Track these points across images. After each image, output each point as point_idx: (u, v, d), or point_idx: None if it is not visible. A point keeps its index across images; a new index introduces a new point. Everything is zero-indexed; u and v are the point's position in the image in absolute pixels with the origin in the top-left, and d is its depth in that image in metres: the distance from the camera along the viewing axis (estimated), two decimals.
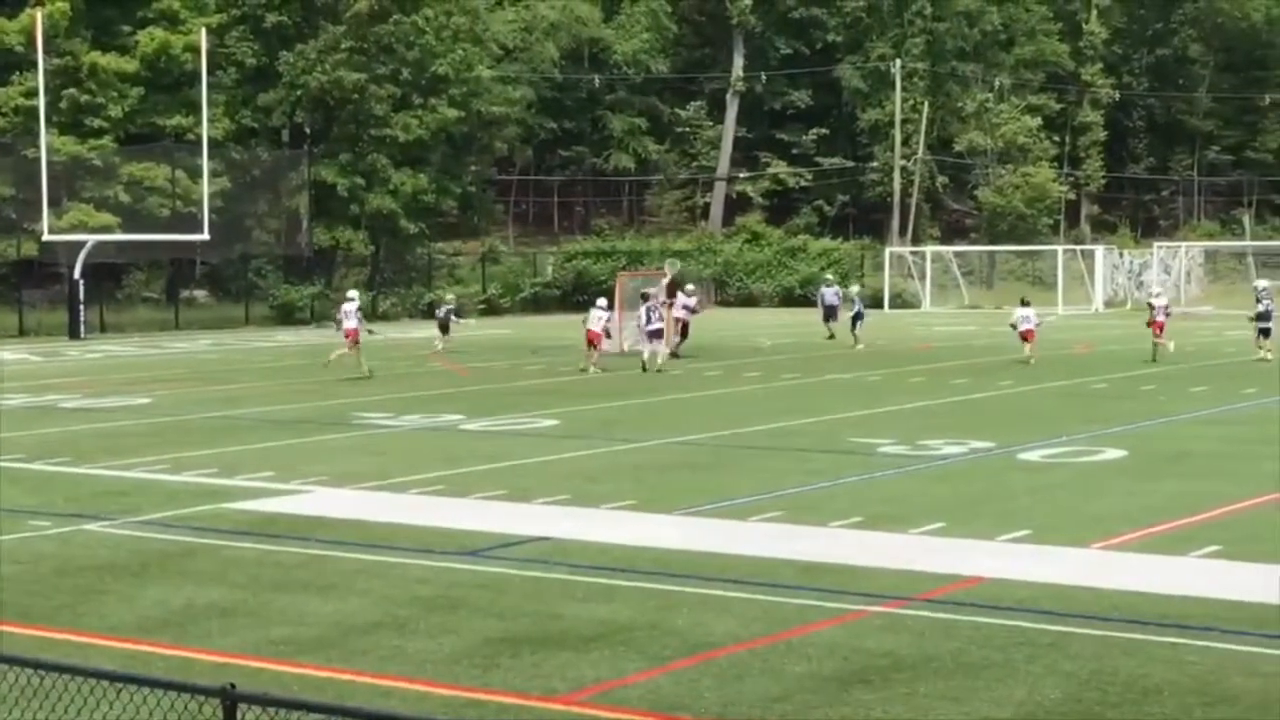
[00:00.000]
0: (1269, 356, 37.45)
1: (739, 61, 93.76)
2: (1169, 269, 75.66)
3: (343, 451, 23.25)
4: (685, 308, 42.62)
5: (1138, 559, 14.64)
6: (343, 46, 66.11)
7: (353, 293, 40.27)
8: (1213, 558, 14.53)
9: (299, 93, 66.52)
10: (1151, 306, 39.95)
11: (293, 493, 19.08)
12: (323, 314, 64.52)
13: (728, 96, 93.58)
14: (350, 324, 36.78)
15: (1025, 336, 38.46)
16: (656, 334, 38.33)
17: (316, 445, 24.06)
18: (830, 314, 48.75)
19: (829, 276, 56.66)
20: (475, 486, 19.32)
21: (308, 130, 70.58)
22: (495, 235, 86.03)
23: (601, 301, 39.56)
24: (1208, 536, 15.41)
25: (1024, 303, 41.35)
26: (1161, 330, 38.68)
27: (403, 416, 27.81)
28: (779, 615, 12.56)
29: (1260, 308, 39.35)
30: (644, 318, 38.56)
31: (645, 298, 39.70)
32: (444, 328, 43.14)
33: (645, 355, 37.69)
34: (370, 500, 18.60)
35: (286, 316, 63.81)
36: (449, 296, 45.40)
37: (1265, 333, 38.66)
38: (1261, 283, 43.70)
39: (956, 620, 12.27)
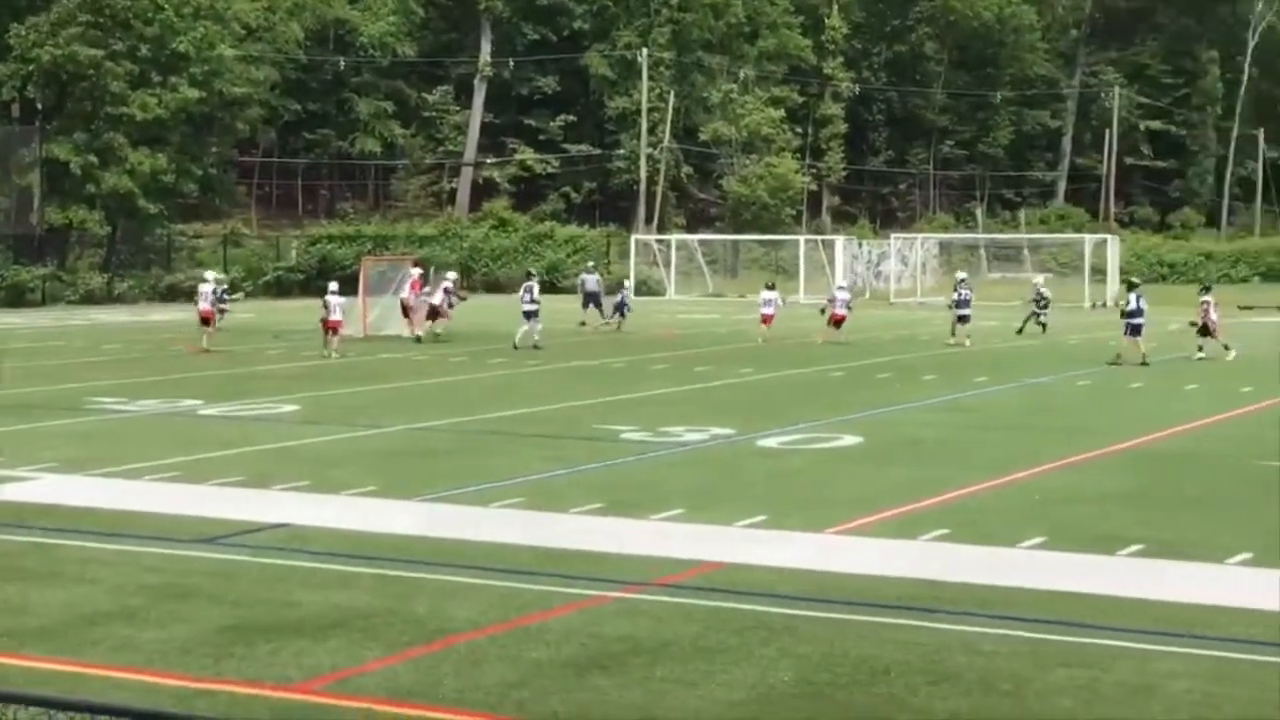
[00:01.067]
0: (966, 343, 39.18)
1: (486, 47, 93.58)
2: (905, 260, 77.55)
3: (74, 437, 22.60)
4: (446, 290, 42.62)
5: (870, 543, 15.01)
6: (78, 20, 64.16)
7: (209, 274, 41.49)
8: (940, 540, 14.95)
9: (30, 67, 64.39)
10: (833, 300, 41.54)
11: (19, 480, 18.48)
12: (54, 295, 62.67)
13: (475, 82, 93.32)
14: (204, 305, 38.14)
15: (765, 320, 39.58)
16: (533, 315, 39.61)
17: (46, 431, 23.35)
18: (591, 300, 49.04)
19: (590, 264, 56.65)
20: (213, 473, 18.96)
21: (39, 106, 68.43)
22: (238, 218, 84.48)
23: (333, 286, 39.22)
24: (936, 520, 15.86)
25: (769, 286, 42.49)
26: (840, 324, 40.66)
27: (138, 401, 27.16)
28: (518, 601, 12.58)
29: (956, 295, 41.30)
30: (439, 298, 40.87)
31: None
32: (208, 316, 39.53)
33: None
34: (102, 487, 18.11)
35: (17, 298, 61.76)
36: (209, 275, 42.93)
37: (964, 319, 41.03)
38: (961, 274, 45.78)
39: (695, 605, 12.43)
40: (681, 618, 12.03)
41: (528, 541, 14.88)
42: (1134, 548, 14.50)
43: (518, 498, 17.29)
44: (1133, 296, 35.64)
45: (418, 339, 41.37)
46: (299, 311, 52.72)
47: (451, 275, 45.24)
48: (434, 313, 42.17)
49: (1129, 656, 10.95)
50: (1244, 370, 33.35)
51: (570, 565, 13.87)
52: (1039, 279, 49.92)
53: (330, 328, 37.70)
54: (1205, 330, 36.42)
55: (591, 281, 50.33)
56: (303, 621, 11.87)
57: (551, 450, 21.26)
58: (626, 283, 52.39)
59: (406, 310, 42.84)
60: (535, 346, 38.67)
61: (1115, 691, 10.17)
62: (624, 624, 11.85)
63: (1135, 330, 34.84)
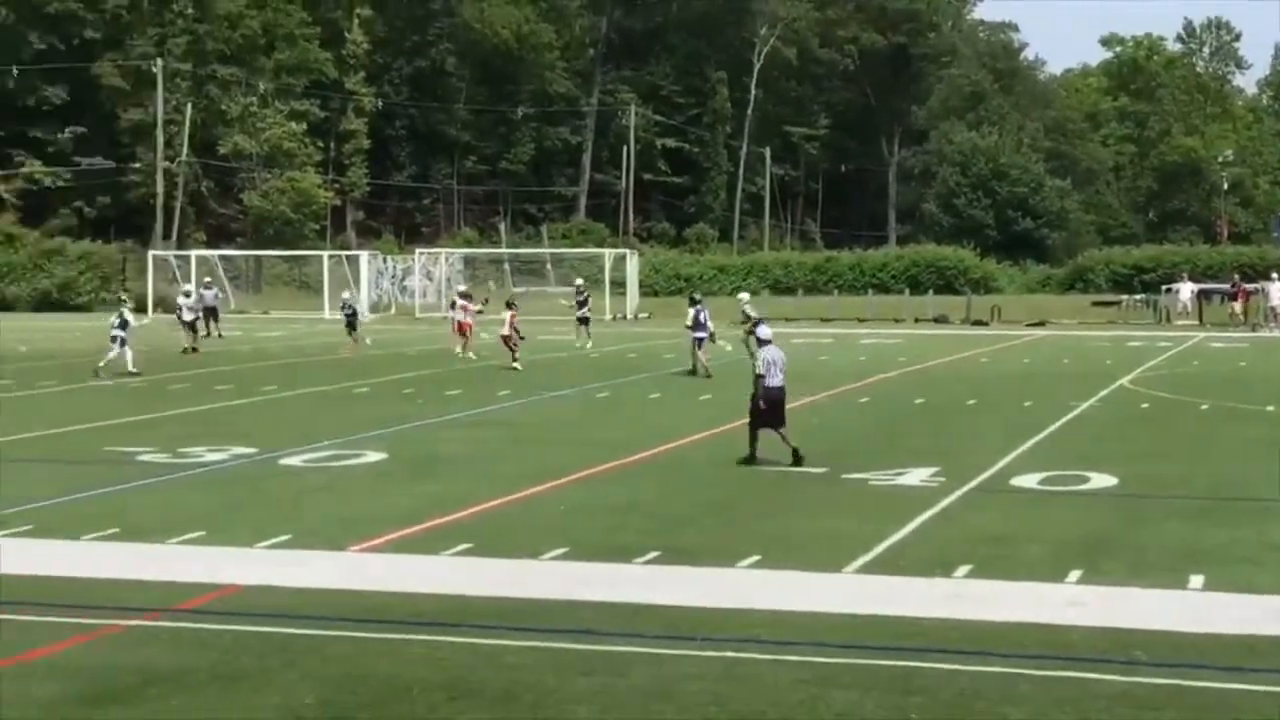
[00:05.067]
0: (472, 356, 40.08)
1: None
2: (431, 274, 77.89)
3: None
4: None
5: (394, 559, 14.99)
6: None
7: (188, 286, 43.93)
8: (465, 555, 15.07)
9: None
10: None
11: None
12: None
13: None
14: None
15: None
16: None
17: None
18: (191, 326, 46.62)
19: (188, 287, 53.01)
20: None
21: None
22: None
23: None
24: (460, 535, 15.97)
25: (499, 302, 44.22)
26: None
27: None
28: (28, 636, 12.02)
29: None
30: None
31: None
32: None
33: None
34: None
35: None
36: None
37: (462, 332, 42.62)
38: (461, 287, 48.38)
39: (214, 630, 12.16)
40: (200, 644, 11.75)
41: (37, 572, 14.25)
42: (650, 555, 14.94)
43: (26, 525, 16.54)
44: (692, 311, 36.70)
45: None
46: None
47: None
48: None
49: (645, 661, 11.26)
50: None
51: (83, 595, 13.34)
52: (579, 281, 51.37)
53: None
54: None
55: (210, 297, 50.55)
56: None
57: (64, 475, 20.41)
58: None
59: None
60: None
61: (633, 695, 10.44)
62: (140, 653, 11.49)
63: (699, 342, 35.92)
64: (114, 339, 36.64)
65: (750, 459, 21.09)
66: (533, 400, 31.00)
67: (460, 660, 11.30)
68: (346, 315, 48.13)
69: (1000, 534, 16.05)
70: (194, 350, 44.35)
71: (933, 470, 20.31)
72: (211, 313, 50.71)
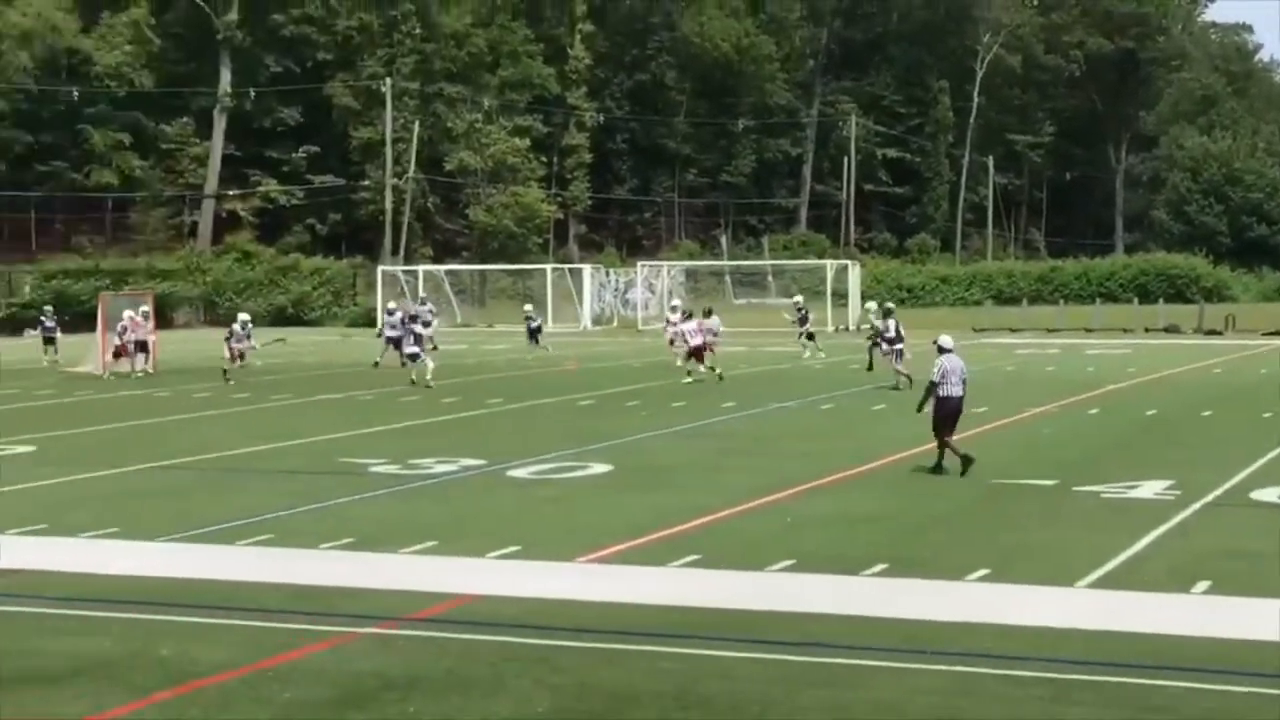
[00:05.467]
0: (701, 370, 38.74)
1: (226, 76, 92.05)
2: (653, 287, 78.31)
3: None
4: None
5: (621, 570, 15.07)
6: None
7: (392, 304, 47.09)
8: (692, 567, 15.09)
9: None
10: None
11: None
12: None
13: (215, 113, 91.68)
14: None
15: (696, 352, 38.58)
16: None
17: None
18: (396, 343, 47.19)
19: (392, 305, 52.36)
20: None
21: None
22: None
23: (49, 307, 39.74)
24: (686, 546, 16.00)
25: (693, 313, 43.68)
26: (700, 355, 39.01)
27: None
28: (268, 641, 12.35)
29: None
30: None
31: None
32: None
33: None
34: None
35: None
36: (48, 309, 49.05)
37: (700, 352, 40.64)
38: (675, 301, 47.76)
39: (447, 639, 12.35)
40: (434, 652, 11.95)
41: (276, 580, 14.63)
42: (878, 567, 14.82)
43: (265, 535, 16.99)
44: (891, 322, 36.53)
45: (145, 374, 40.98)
46: (34, 349, 51.10)
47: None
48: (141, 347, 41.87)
49: (875, 674, 11.17)
50: (980, 392, 34.37)
51: (320, 603, 13.67)
52: (799, 298, 51.40)
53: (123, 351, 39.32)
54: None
55: (424, 312, 50.82)
56: (43, 670, 11.49)
57: (299, 486, 20.93)
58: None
59: (145, 346, 41.94)
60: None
61: (863, 709, 10.36)
62: (376, 660, 11.72)
63: (898, 355, 35.65)
64: (411, 353, 38.81)
65: (937, 468, 21.30)
66: (757, 412, 30.96)
67: (688, 671, 11.32)
68: (531, 328, 49.00)
69: (1240, 549, 15.59)
70: (374, 366, 44.23)
71: (1167, 483, 19.82)
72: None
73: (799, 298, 51.88)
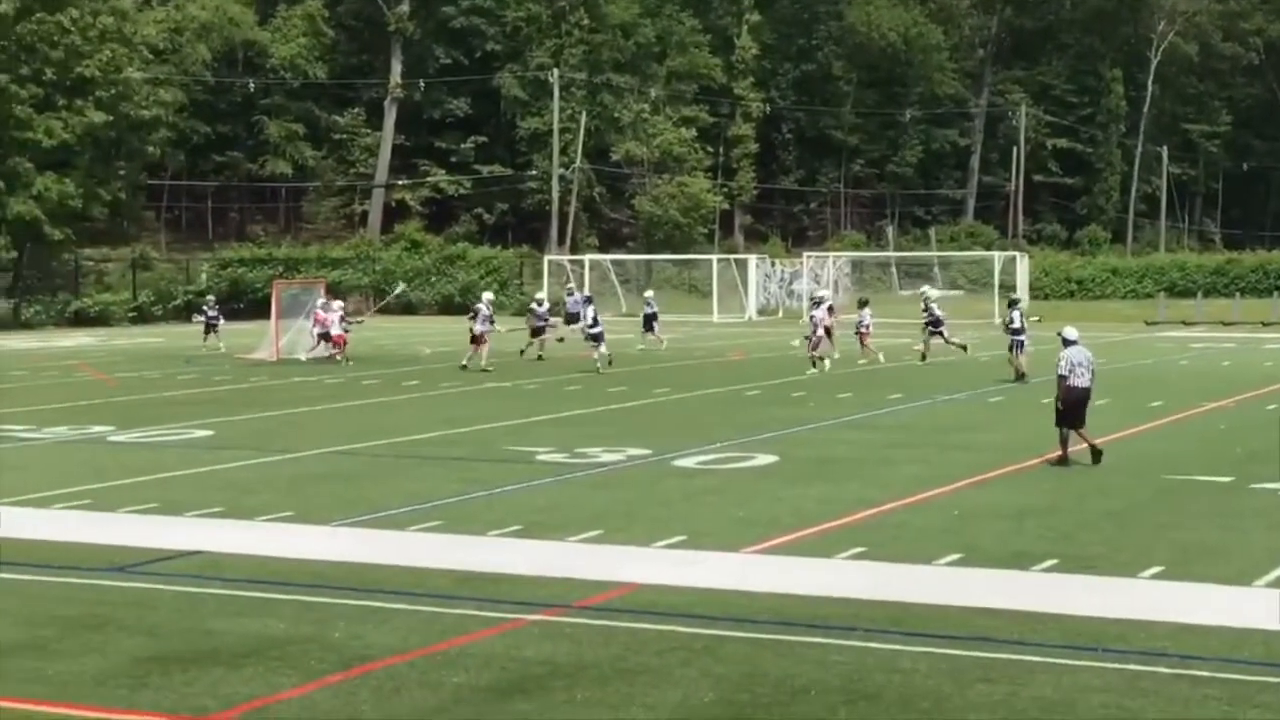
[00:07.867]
0: (881, 359, 39.16)
1: (397, 68, 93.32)
2: (818, 278, 77.95)
3: None
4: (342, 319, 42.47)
5: (786, 561, 15.04)
6: None
7: (540, 294, 48.00)
8: (856, 559, 15.01)
9: None
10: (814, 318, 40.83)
11: None
12: None
13: (386, 104, 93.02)
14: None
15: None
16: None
17: None
18: (571, 320, 48.96)
19: (540, 295, 52.97)
20: (124, 500, 18.75)
21: None
22: (146, 241, 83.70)
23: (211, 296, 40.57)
24: (852, 538, 15.93)
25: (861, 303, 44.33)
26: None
27: (47, 429, 26.81)
28: (437, 626, 12.52)
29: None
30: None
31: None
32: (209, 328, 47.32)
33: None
34: (10, 516, 17.83)
35: None
36: (210, 298, 51.82)
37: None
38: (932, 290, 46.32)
39: (613, 627, 12.41)
40: (601, 640, 12.02)
41: (445, 565, 14.81)
42: (1048, 563, 14.63)
43: (435, 521, 17.21)
44: (1015, 314, 36.07)
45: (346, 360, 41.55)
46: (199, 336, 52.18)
47: (337, 304, 44.39)
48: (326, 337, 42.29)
49: (1045, 671, 11.04)
50: (1154, 386, 33.79)
51: (488, 589, 13.82)
52: (933, 293, 44.92)
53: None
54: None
55: (571, 303, 51.37)
56: (218, 650, 11.75)
57: (467, 473, 21.18)
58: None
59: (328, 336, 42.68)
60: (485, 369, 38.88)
61: (1033, 706, 10.24)
62: (544, 647, 11.82)
63: (1020, 346, 35.29)
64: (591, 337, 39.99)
65: (1062, 460, 21.14)
66: (924, 404, 30.71)
67: (855, 663, 11.27)
68: (646, 314, 49.41)
69: None
70: (520, 354, 44.19)
71: None
72: (572, 319, 50.70)
73: (926, 288, 47.80)
